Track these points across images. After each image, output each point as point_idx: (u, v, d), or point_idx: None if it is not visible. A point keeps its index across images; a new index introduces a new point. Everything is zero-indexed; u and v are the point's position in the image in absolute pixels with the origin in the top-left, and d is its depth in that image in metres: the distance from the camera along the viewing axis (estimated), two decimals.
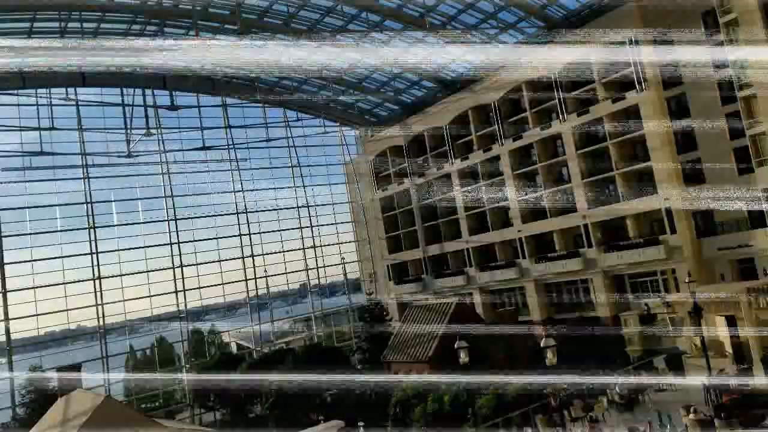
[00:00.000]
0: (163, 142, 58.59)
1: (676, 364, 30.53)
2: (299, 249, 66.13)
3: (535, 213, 53.85)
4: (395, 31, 53.45)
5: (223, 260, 61.04)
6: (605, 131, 46.85)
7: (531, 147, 53.16)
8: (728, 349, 29.71)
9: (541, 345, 18.22)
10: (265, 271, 62.76)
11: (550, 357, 17.28)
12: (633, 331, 39.38)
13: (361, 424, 30.59)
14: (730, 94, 37.92)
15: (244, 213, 62.21)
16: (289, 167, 66.75)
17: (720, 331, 30.39)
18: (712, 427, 20.97)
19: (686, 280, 28.17)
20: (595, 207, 47.93)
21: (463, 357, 19.47)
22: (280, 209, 66.02)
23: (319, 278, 66.96)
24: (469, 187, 59.07)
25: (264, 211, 64.70)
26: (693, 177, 42.06)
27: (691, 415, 21.74)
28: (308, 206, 66.76)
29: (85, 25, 47.48)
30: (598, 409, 26.38)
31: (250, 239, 62.05)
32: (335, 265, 68.71)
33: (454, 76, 61.40)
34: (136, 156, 56.04)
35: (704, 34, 39.74)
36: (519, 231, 54.07)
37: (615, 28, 44.31)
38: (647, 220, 45.38)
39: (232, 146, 62.46)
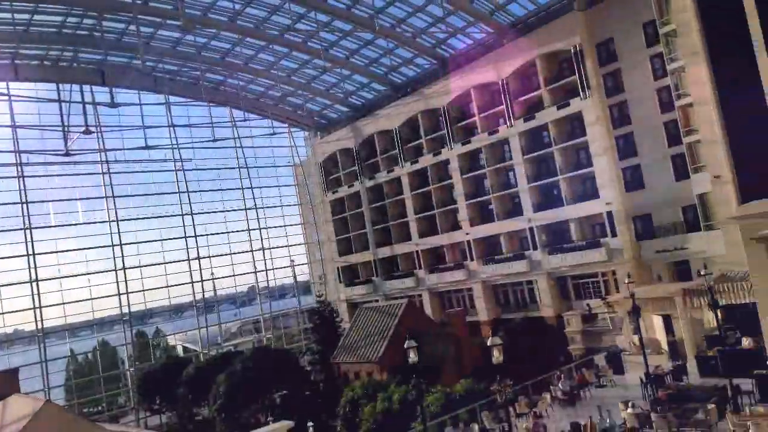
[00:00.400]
0: (103, 141, 56.98)
1: (615, 361, 31.58)
2: (248, 251, 65.44)
3: (483, 216, 54.87)
4: (344, 32, 53.69)
5: (168, 262, 59.79)
6: (551, 136, 48.07)
7: (479, 151, 54.04)
8: (664, 346, 30.83)
9: (488, 344, 18.53)
10: (212, 273, 61.80)
11: (497, 355, 17.60)
12: (575, 330, 40.52)
13: (310, 424, 30.53)
14: (669, 102, 39.66)
15: (189, 215, 61.01)
16: (237, 168, 65.89)
17: (657, 329, 31.54)
18: (648, 420, 21.82)
19: (626, 281, 29.13)
20: (540, 210, 49.13)
21: (413, 357, 19.65)
22: (228, 211, 65.19)
23: (268, 280, 66.38)
24: (419, 191, 59.68)
25: (210, 212, 63.75)
26: (633, 182, 43.69)
27: (630, 410, 22.54)
28: (256, 208, 66.07)
29: (16, 16, 45.77)
30: (542, 405, 27.06)
31: (196, 241, 60.92)
32: (285, 267, 68.34)
33: (404, 79, 61.96)
34: (75, 154, 54.21)
35: (645, 44, 41.41)
36: (467, 234, 54.91)
37: (561, 35, 45.59)
38: (590, 224, 46.77)
39: (176, 146, 61.11)
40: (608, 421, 21.99)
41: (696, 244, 39.02)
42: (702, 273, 27.20)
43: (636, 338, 29.35)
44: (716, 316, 25.86)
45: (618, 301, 33.93)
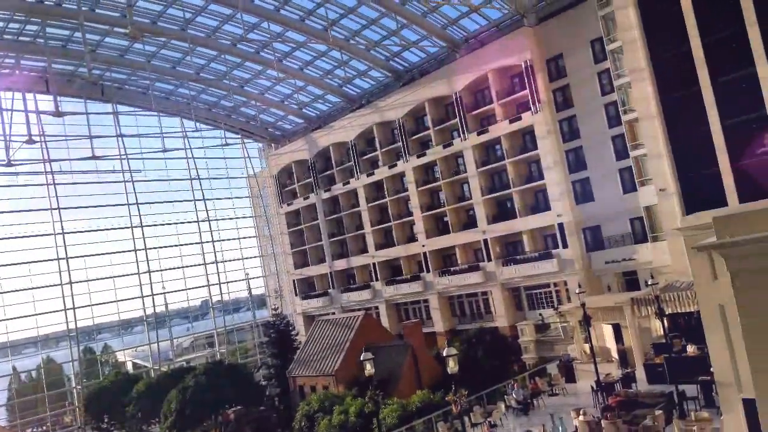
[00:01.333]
0: (47, 151, 55.18)
1: (567, 370, 32.15)
2: (200, 264, 64.18)
3: (439, 228, 55.34)
4: (298, 43, 53.64)
5: (117, 276, 58.18)
6: (503, 150, 48.93)
7: (435, 164, 54.54)
8: (614, 355, 31.55)
9: (444, 354, 18.66)
10: (164, 287, 60.34)
11: (452, 366, 17.74)
12: (529, 339, 41.12)
13: None
14: (616, 117, 40.94)
15: (139, 227, 59.49)
16: (188, 179, 64.66)
17: (607, 338, 32.28)
18: (599, 427, 22.28)
19: (577, 291, 29.76)
20: (495, 223, 49.84)
21: (369, 369, 19.62)
22: (180, 223, 63.85)
23: (221, 294, 65.22)
24: (375, 203, 59.80)
25: (161, 225, 62.35)
26: (583, 195, 44.82)
27: (581, 417, 22.98)
28: (209, 220, 64.86)
29: None
30: (496, 414, 27.32)
31: (146, 254, 59.38)
32: (239, 280, 67.21)
33: (359, 91, 62.21)
34: (17, 164, 52.31)
35: (592, 61, 42.68)
36: (423, 246, 55.23)
37: (512, 51, 46.53)
38: (542, 235, 47.69)
39: (124, 156, 59.67)
40: (560, 428, 22.35)
41: (643, 255, 40.22)
42: (649, 283, 28.03)
43: (587, 347, 29.98)
44: (663, 324, 26.67)
45: (569, 310, 34.58)
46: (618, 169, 42.06)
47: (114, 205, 59.31)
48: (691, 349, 26.48)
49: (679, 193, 30.67)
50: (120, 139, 59.50)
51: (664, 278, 32.19)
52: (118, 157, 59.24)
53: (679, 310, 28.28)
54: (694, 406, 23.07)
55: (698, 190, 29.08)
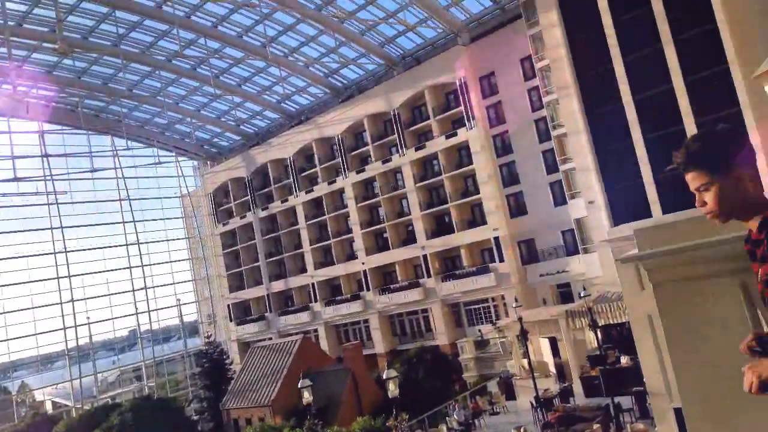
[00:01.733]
0: None
1: (507, 386, 32.10)
2: (129, 291, 60.43)
3: (379, 245, 54.94)
4: (236, 59, 52.71)
5: (36, 307, 54.10)
6: (441, 165, 49.16)
7: (374, 180, 54.30)
8: (552, 369, 31.74)
9: (384, 377, 18.10)
10: (88, 317, 56.21)
11: (392, 389, 17.18)
12: (469, 357, 41.00)
13: None
14: (546, 132, 41.78)
15: (63, 252, 55.75)
16: (118, 200, 61.71)
17: (545, 352, 32.46)
18: None
19: (514, 306, 29.83)
20: (434, 238, 49.85)
21: (307, 396, 18.83)
22: (107, 247, 60.43)
23: (151, 323, 61.43)
24: (314, 220, 58.94)
25: (88, 250, 58.90)
26: (517, 209, 45.46)
27: None
28: (139, 243, 61.47)
29: None
30: None
31: (70, 282, 55.39)
32: (170, 307, 63.69)
33: (297, 108, 61.53)
34: None
35: (522, 78, 43.59)
36: (363, 263, 54.66)
37: (446, 68, 47.03)
38: (479, 250, 47.98)
39: (49, 177, 56.70)
40: None
41: (576, 267, 40.91)
42: (582, 295, 28.32)
43: (525, 362, 29.98)
44: (596, 336, 26.95)
45: (507, 325, 34.67)
46: (549, 183, 42.89)
47: (36, 230, 55.86)
48: (624, 360, 26.84)
49: (607, 206, 31.40)
50: (45, 159, 56.61)
51: (596, 289, 32.67)
52: (42, 178, 56.23)
53: (612, 322, 28.69)
54: (630, 418, 23.27)
55: (624, 202, 29.84)
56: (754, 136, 24.33)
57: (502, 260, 45.03)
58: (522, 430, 23.38)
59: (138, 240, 61.23)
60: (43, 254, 55.24)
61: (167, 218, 66.81)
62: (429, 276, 49.88)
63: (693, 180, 2.38)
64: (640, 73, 29.23)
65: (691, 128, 27.04)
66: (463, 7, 47.10)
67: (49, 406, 57.23)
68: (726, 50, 26.41)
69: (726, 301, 3.50)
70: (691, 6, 27.79)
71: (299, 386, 18.69)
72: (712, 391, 3.53)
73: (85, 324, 56.08)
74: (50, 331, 54.59)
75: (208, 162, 69.82)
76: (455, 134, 47.55)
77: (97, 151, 59.75)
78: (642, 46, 29.33)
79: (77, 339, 55.45)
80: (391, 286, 53.04)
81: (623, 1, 29.80)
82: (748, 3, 26.62)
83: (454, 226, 48.40)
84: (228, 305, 66.66)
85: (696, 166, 2.35)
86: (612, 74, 29.99)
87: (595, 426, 21.84)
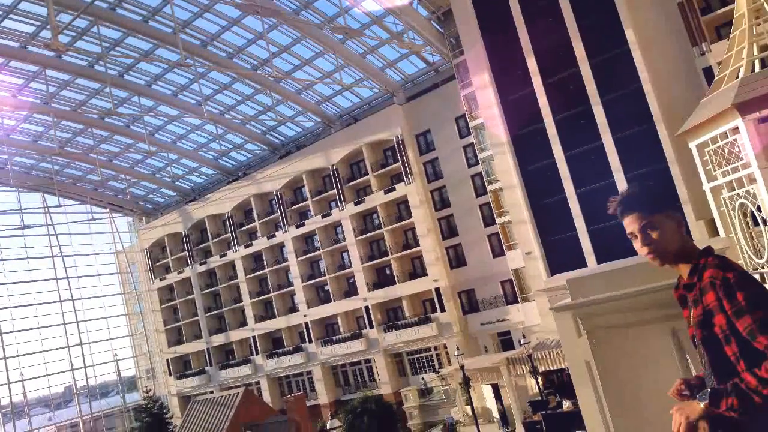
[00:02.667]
0: None
1: None
2: (63, 347, 58.94)
3: (320, 297, 55.27)
4: (171, 116, 52.91)
5: None
6: (380, 219, 50.47)
7: (314, 234, 54.94)
8: (495, 415, 32.69)
9: (327, 427, 18.60)
10: (22, 374, 54.71)
11: None
12: (413, 405, 41.55)
13: None
14: (483, 186, 43.94)
15: None
16: (50, 257, 60.18)
17: (487, 398, 33.46)
18: None
19: (456, 354, 30.87)
20: (375, 290, 50.70)
21: None
22: (40, 304, 58.76)
23: (87, 378, 59.88)
24: (254, 274, 58.80)
25: (19, 307, 57.11)
26: (456, 260, 47.10)
27: None
28: (73, 300, 60.22)
29: None
30: None
31: (1, 339, 53.95)
32: (107, 363, 62.37)
33: (235, 164, 61.96)
34: None
35: (458, 135, 45.87)
36: (305, 315, 54.75)
37: (383, 126, 48.91)
38: (420, 300, 49.12)
39: None
40: None
41: (515, 315, 42.58)
42: (522, 342, 29.76)
43: (468, 409, 30.91)
44: (537, 382, 28.26)
45: (450, 373, 35.59)
46: (487, 235, 44.80)
47: None
48: (566, 404, 28.12)
49: (543, 256, 33.36)
50: None
51: (536, 337, 34.17)
52: None
53: (551, 367, 30.11)
54: None
55: (560, 252, 31.87)
56: (682, 191, 26.69)
57: (443, 310, 46.29)
58: None
59: (72, 296, 59.75)
60: None
61: (102, 274, 65.41)
62: (371, 327, 50.49)
63: (633, 222, 2.47)
64: (571, 131, 31.57)
65: (621, 182, 29.39)
66: (397, 69, 49.43)
67: None
68: (651, 110, 28.92)
69: (657, 346, 3.71)
70: (617, 68, 30.45)
71: None
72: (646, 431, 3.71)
73: (19, 381, 54.65)
74: None
75: (143, 218, 68.83)
76: (394, 189, 49.08)
77: (28, 208, 58.08)
78: (572, 105, 31.72)
79: (11, 396, 54.07)
80: (334, 338, 53.27)
81: (553, 65, 32.34)
82: (670, 65, 29.40)
83: (396, 278, 49.46)
84: (167, 360, 65.00)
85: (639, 207, 2.46)
86: (544, 133, 32.26)
87: None
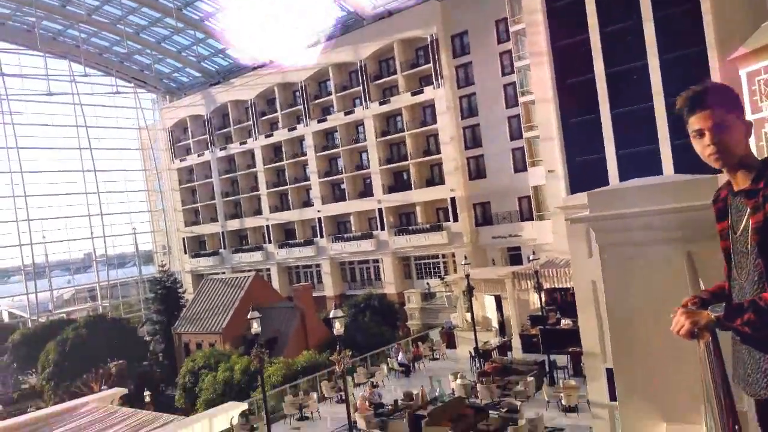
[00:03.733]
0: None
1: (449, 336, 33.57)
2: (84, 216, 60.60)
3: (335, 195, 55.35)
4: None
5: None
6: (404, 122, 49.47)
7: (335, 130, 54.25)
8: (494, 324, 33.21)
9: (331, 316, 18.91)
10: (44, 236, 56.59)
11: (338, 327, 18.00)
12: (415, 307, 42.40)
13: (147, 393, 29.38)
14: (514, 98, 42.46)
15: (19, 173, 55.14)
16: (74, 126, 60.50)
17: (488, 308, 33.90)
18: (474, 390, 23.58)
19: (462, 263, 30.95)
20: (391, 193, 50.53)
21: (256, 327, 19.56)
22: (63, 171, 59.85)
23: (106, 247, 62.08)
24: (273, 165, 58.78)
25: (43, 172, 58.19)
26: (477, 171, 46.42)
27: (458, 381, 24.22)
28: (95, 171, 61.13)
29: None
30: (378, 375, 28.15)
31: (26, 201, 55.26)
32: (125, 234, 64.28)
33: None
34: None
35: (496, 41, 43.81)
36: (319, 211, 55.12)
37: (418, 23, 46.77)
38: (434, 208, 48.97)
39: (4, 97, 54.89)
40: (438, 390, 23.44)
41: (528, 232, 42.40)
42: (530, 258, 29.65)
43: (468, 316, 31.35)
44: (540, 297, 28.38)
45: (455, 281, 35.88)
46: (511, 149, 43.81)
47: None
48: (565, 322, 28.42)
49: (566, 176, 32.54)
50: (0, 78, 54.52)
51: (546, 255, 34.03)
52: None
53: (557, 286, 30.16)
54: (563, 375, 24.87)
55: (583, 173, 30.98)
56: None
57: (456, 220, 46.19)
58: (459, 375, 24.81)
59: (95, 167, 60.67)
60: None
61: (124, 149, 66.07)
62: (383, 229, 50.78)
63: (704, 119, 2.30)
64: (616, 47, 29.82)
65: (660, 107, 27.94)
66: None
67: (5, 316, 57.44)
68: (706, 32, 26.93)
69: (669, 267, 3.54)
70: None
71: (248, 317, 19.32)
72: (642, 352, 3.65)
73: (41, 243, 56.56)
74: (6, 247, 55.12)
75: (167, 96, 68.28)
76: (421, 92, 47.76)
77: (54, 75, 57.75)
78: (621, 19, 29.71)
79: (33, 256, 56.03)
80: (345, 235, 53.82)
81: None
82: None
83: (412, 184, 49.13)
84: (183, 238, 66.73)
85: (715, 103, 2.30)
86: (587, 45, 30.46)
87: (529, 379, 23.35)
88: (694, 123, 2.34)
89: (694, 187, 3.83)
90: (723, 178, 2.52)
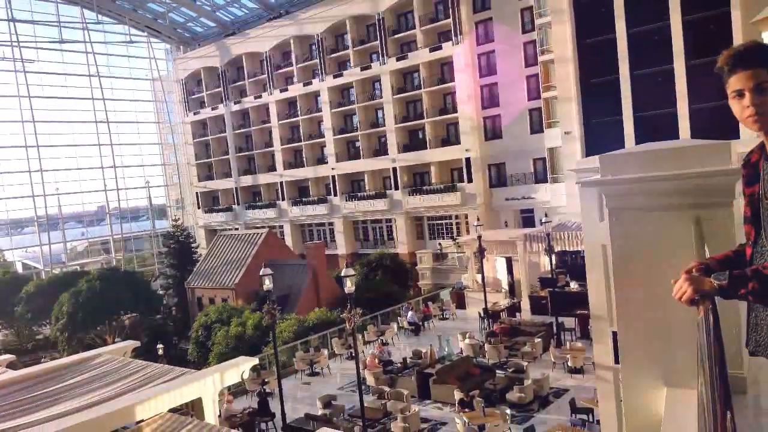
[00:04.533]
0: None
1: (459, 297, 33.77)
2: (97, 168, 60.74)
3: (350, 153, 55.06)
4: None
5: (5, 172, 54.30)
6: (421, 79, 48.71)
7: (351, 86, 53.59)
8: (504, 286, 33.32)
9: (342, 274, 19.00)
10: (57, 188, 56.85)
11: (349, 285, 18.09)
12: (426, 267, 42.57)
13: (159, 346, 29.93)
14: (534, 56, 41.49)
15: (31, 122, 55.18)
16: (87, 76, 60.07)
17: (499, 270, 33.94)
18: (482, 350, 23.81)
19: (475, 224, 30.88)
20: (405, 152, 50.13)
21: (268, 284, 19.71)
22: (76, 122, 59.64)
23: (119, 200, 62.32)
24: (287, 120, 58.41)
25: (55, 122, 58.02)
26: (492, 132, 45.81)
27: (467, 340, 24.45)
28: (108, 122, 60.87)
29: None
30: (388, 333, 28.51)
31: (38, 152, 55.34)
32: (138, 188, 64.48)
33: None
34: None
35: None
36: (333, 168, 54.94)
37: None
38: (449, 168, 48.61)
39: (16, 43, 54.48)
40: (446, 349, 23.68)
41: (542, 194, 42.05)
42: (543, 221, 29.48)
43: (479, 277, 31.43)
44: (550, 260, 28.33)
45: (467, 242, 35.88)
46: (528, 109, 43.10)
47: (3, 96, 54.42)
48: (573, 285, 28.43)
49: (582, 137, 32.09)
50: (11, 23, 53.97)
51: (558, 218, 33.90)
52: (9, 43, 53.94)
53: (568, 248, 30.08)
54: (570, 337, 25.00)
55: (600, 135, 30.50)
56: None
57: (470, 181, 45.85)
58: (467, 335, 25.03)
59: (108, 118, 60.42)
60: (10, 122, 54.30)
61: (137, 100, 65.64)
62: (396, 188, 50.60)
63: (746, 79, 2.17)
64: (638, 7, 29.00)
65: (680, 70, 27.26)
66: None
67: (19, 267, 58.39)
68: None
69: (677, 233, 3.58)
70: None
71: (260, 274, 19.45)
72: (647, 315, 3.69)
73: (54, 194, 56.78)
74: (19, 197, 55.49)
75: (181, 47, 67.56)
76: (440, 48, 46.84)
77: (66, 22, 57.12)
78: None
79: (46, 207, 56.39)
80: (359, 194, 53.71)
81: None
82: None
83: (427, 143, 48.68)
84: (196, 193, 66.98)
85: (759, 64, 2.17)
86: (609, 3, 29.65)
87: (537, 340, 23.51)
88: (735, 83, 2.21)
89: (705, 153, 3.78)
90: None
